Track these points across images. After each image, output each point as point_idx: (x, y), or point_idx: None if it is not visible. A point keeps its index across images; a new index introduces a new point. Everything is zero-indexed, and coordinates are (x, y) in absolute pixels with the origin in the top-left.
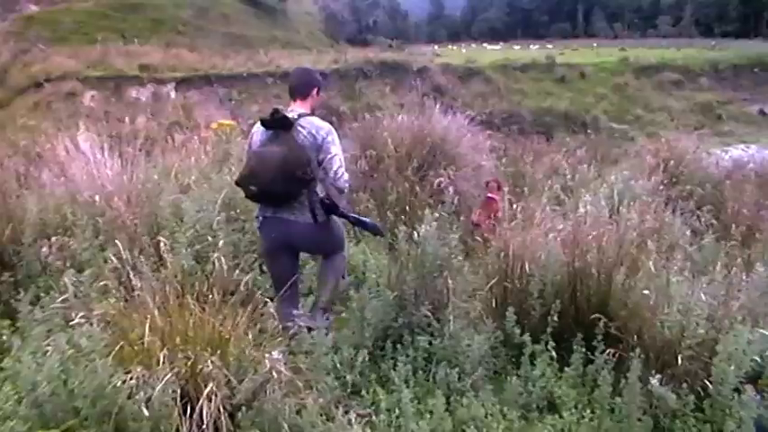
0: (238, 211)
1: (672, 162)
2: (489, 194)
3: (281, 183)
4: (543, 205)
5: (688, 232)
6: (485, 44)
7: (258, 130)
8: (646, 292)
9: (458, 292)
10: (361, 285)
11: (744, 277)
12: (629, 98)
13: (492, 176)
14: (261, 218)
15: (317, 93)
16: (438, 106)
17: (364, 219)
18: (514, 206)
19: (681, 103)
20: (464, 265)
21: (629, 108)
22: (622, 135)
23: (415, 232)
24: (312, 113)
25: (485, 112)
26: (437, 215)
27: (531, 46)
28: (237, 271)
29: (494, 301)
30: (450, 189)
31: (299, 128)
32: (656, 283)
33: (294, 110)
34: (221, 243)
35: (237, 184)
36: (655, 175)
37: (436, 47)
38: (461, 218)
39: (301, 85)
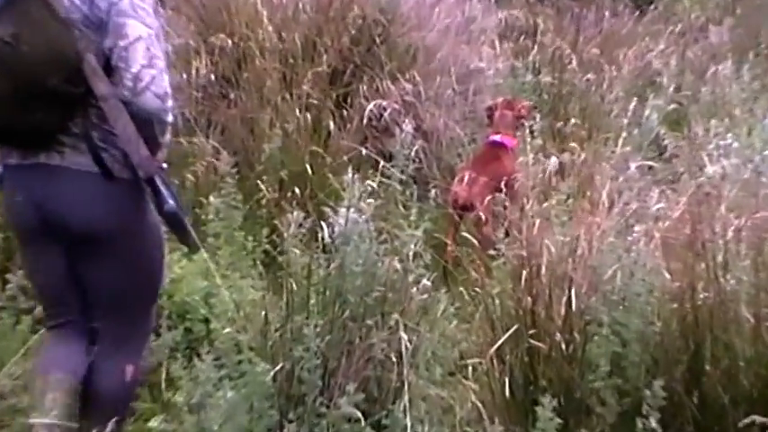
0: None
1: None
2: (494, 137)
3: (17, 105)
4: (620, 160)
5: None
6: None
7: None
8: None
9: (423, 360)
10: (199, 348)
11: None
12: None
13: (501, 97)
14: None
15: None
16: None
17: (176, 208)
18: (551, 163)
19: None
20: (437, 298)
21: None
22: None
23: (323, 225)
24: None
25: None
26: (373, 184)
27: None
28: None
29: (507, 380)
30: (406, 125)
31: None
32: None
33: None
34: None
35: None
36: None
37: None
38: (432, 190)
39: None
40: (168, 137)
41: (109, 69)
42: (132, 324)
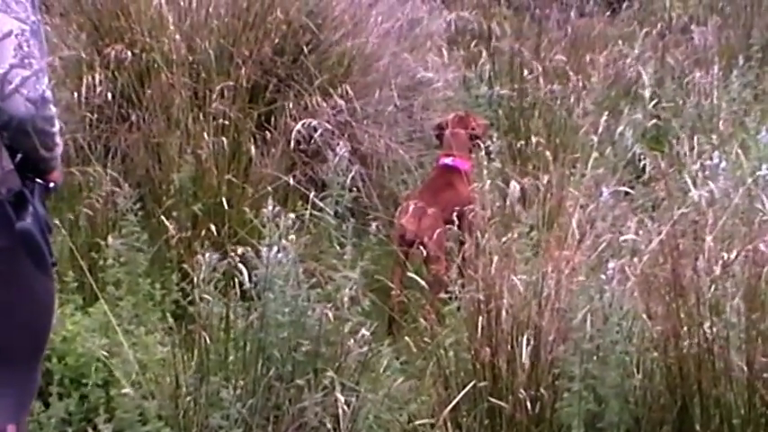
0: None
1: None
2: (445, 160)
3: None
4: (591, 185)
5: None
6: None
7: None
8: None
9: (364, 425)
10: (96, 419)
11: None
12: None
13: (453, 113)
14: None
15: None
16: None
17: (30, 226)
18: (512, 189)
19: None
20: (379, 351)
21: None
22: None
23: (241, 268)
24: None
25: None
26: (301, 218)
27: None
28: None
29: None
30: (341, 148)
31: None
32: None
33: None
34: None
35: None
36: None
37: None
38: (372, 224)
39: None
40: (59, 150)
41: None
42: (10, 379)
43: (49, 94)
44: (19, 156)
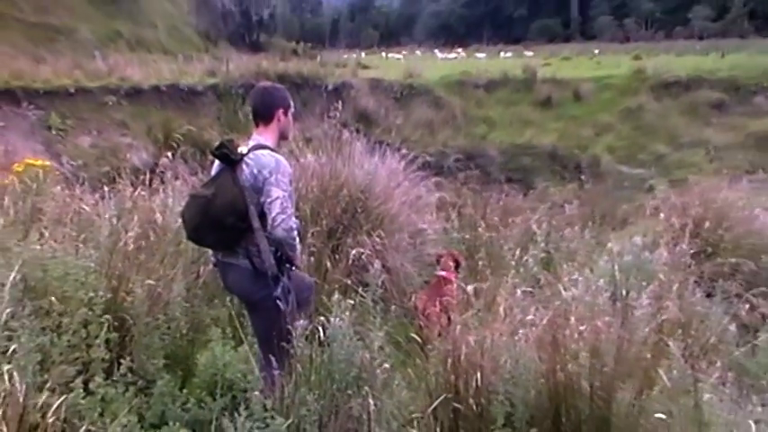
0: (53, 299)
1: (708, 223)
2: (442, 272)
3: (208, 231)
4: (511, 287)
5: (733, 327)
6: (434, 50)
7: (216, 163)
8: (661, 417)
9: (384, 417)
10: (239, 409)
11: None
12: (646, 129)
13: (444, 248)
14: (213, 260)
15: (285, 113)
16: (361, 141)
17: (280, 295)
18: (469, 289)
19: (724, 136)
20: (394, 377)
21: (645, 143)
22: (636, 183)
23: (320, 329)
24: (281, 139)
25: (430, 151)
26: (352, 302)
27: (503, 53)
28: (45, 392)
29: (439, 429)
30: (377, 264)
31: (244, 165)
32: (680, 403)
33: (254, 139)
34: (16, 349)
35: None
36: (681, 241)
37: (363, 53)
38: (392, 307)
39: (261, 108)
40: (298, 251)
41: (263, 214)
42: (272, 352)
43: (294, 225)
44: (278, 254)
